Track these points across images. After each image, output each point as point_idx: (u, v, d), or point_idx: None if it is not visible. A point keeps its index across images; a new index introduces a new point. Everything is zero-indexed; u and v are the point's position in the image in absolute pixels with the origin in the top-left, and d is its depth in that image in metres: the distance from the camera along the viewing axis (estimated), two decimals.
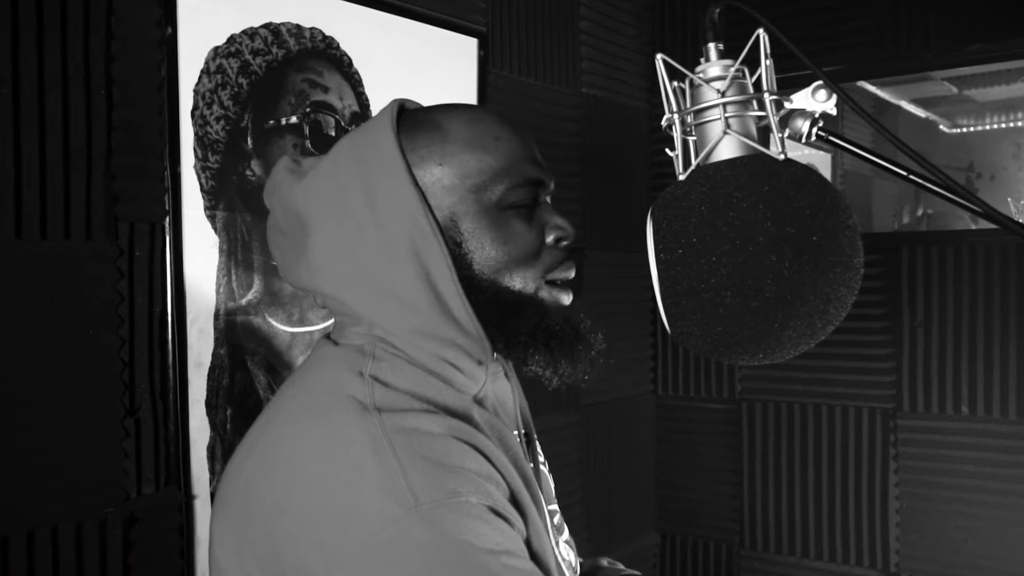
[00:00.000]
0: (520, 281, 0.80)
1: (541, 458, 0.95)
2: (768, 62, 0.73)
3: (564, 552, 0.91)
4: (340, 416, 0.72)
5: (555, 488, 0.98)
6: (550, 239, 0.83)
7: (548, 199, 0.86)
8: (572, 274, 0.85)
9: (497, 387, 0.91)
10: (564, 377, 0.83)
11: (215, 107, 1.45)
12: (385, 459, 0.68)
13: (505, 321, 0.80)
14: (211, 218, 1.45)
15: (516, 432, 0.89)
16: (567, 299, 0.84)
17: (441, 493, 0.66)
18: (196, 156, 1.42)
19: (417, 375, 0.79)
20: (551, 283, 0.83)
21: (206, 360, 1.44)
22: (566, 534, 0.94)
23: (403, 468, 0.67)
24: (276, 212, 0.85)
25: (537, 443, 0.96)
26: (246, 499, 0.73)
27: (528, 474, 0.83)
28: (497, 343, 0.81)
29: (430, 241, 0.77)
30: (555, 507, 0.93)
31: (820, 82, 0.73)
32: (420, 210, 0.77)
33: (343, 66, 1.66)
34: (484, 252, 0.79)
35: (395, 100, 0.84)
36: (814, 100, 0.74)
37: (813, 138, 0.74)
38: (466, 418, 0.78)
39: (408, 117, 0.83)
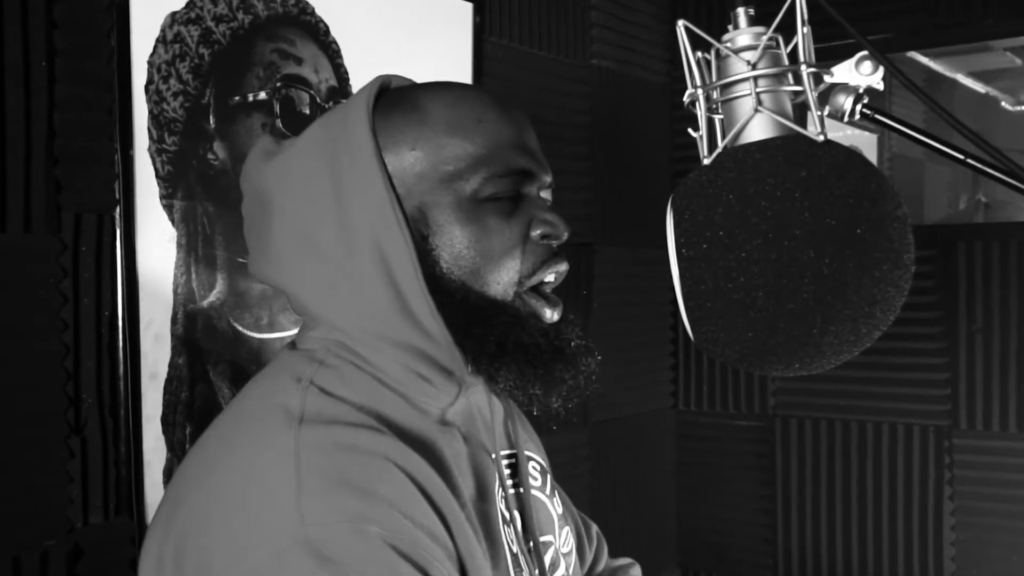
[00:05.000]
0: (496, 286, 0.80)
1: (537, 483, 0.95)
2: (805, 29, 0.73)
3: None
4: (262, 426, 0.75)
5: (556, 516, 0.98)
6: (535, 234, 0.82)
7: (544, 194, 0.86)
8: (561, 270, 0.84)
9: (476, 401, 0.91)
10: (536, 401, 0.83)
11: (172, 81, 1.45)
12: (286, 477, 0.70)
13: (471, 328, 0.80)
14: (168, 208, 1.45)
15: (495, 455, 0.89)
16: (549, 313, 0.83)
17: (336, 515, 0.68)
18: (151, 137, 1.42)
19: (369, 386, 0.80)
20: (533, 290, 0.83)
21: (162, 371, 1.44)
22: (560, 571, 0.94)
23: (300, 488, 0.69)
24: (248, 198, 0.87)
25: (533, 465, 0.96)
26: (172, 508, 0.76)
27: (489, 509, 0.83)
28: (465, 352, 0.81)
29: (393, 233, 0.77)
30: (550, 538, 0.93)
31: (865, 52, 0.73)
32: (385, 198, 0.78)
33: (319, 34, 1.66)
34: (453, 249, 0.80)
35: (379, 76, 0.84)
36: (858, 73, 0.74)
37: (857, 116, 0.74)
38: (418, 438, 0.79)
39: (390, 96, 0.84)
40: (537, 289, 0.83)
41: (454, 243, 0.80)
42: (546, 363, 0.81)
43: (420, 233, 0.80)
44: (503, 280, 0.81)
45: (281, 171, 0.82)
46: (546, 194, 0.87)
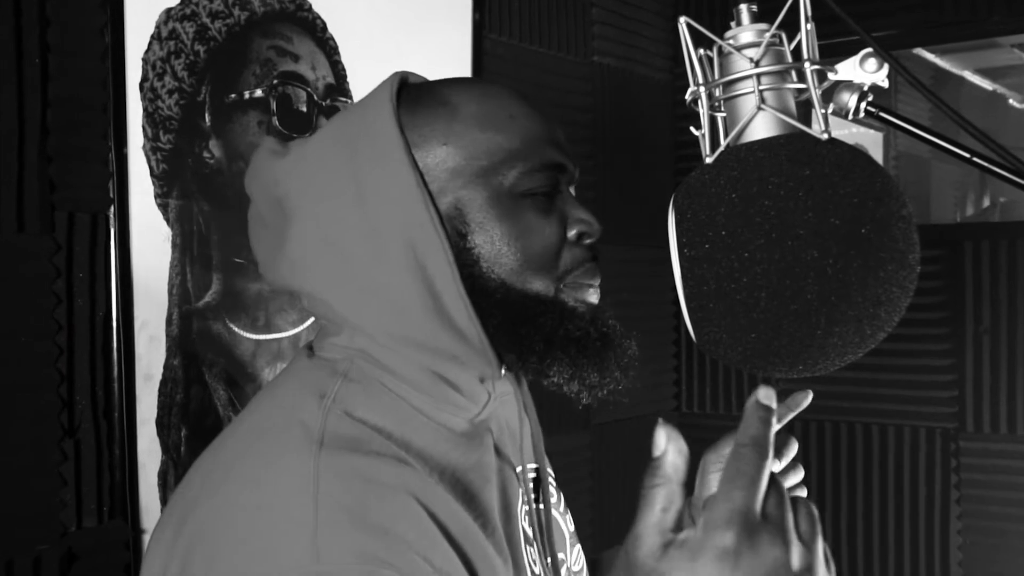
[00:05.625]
0: (537, 283, 0.80)
1: (553, 499, 0.94)
2: (809, 26, 0.73)
3: None
4: (281, 446, 0.73)
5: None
6: (572, 234, 0.82)
7: (572, 190, 0.86)
8: (597, 279, 0.85)
9: (506, 412, 0.90)
10: (593, 389, 0.82)
11: (167, 78, 1.45)
12: (303, 506, 0.68)
13: (516, 328, 0.79)
14: (163, 207, 1.45)
15: (520, 468, 0.88)
16: (594, 297, 0.83)
17: (352, 556, 0.66)
18: (145, 135, 1.42)
19: (394, 406, 0.78)
20: (572, 284, 0.82)
21: (157, 372, 1.44)
22: None
23: (318, 520, 0.67)
24: (257, 200, 0.85)
25: (551, 481, 0.96)
26: (179, 522, 0.74)
27: (513, 530, 0.82)
28: (507, 355, 0.80)
29: (428, 232, 0.76)
30: (561, 556, 0.93)
31: (870, 49, 0.73)
32: (417, 195, 0.76)
33: (316, 31, 1.66)
34: (493, 247, 0.78)
35: (396, 72, 0.83)
36: (862, 70, 0.74)
37: (861, 114, 0.74)
38: (446, 467, 0.77)
39: (411, 91, 0.82)
40: (575, 283, 0.83)
41: (494, 241, 0.78)
42: (598, 351, 0.81)
43: (457, 231, 0.78)
44: (547, 279, 0.80)
45: (297, 171, 0.80)
46: (572, 188, 0.86)
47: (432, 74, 0.89)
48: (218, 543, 0.70)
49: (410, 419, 0.78)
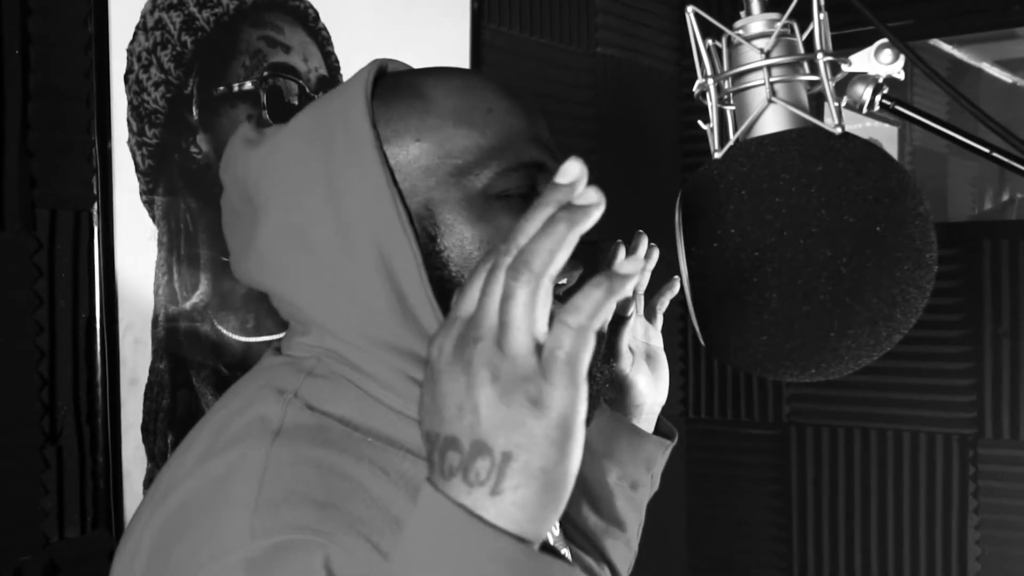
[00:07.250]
0: None
1: None
2: (822, 16, 0.73)
3: None
4: (239, 440, 0.75)
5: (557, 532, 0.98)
6: None
7: None
8: (575, 275, 0.84)
9: None
10: None
11: (153, 70, 1.45)
12: (247, 490, 0.70)
13: None
14: (148, 204, 1.45)
15: None
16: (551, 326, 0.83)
17: (284, 528, 0.67)
18: (130, 130, 1.42)
19: (362, 403, 0.79)
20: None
21: (142, 376, 1.44)
22: None
23: (258, 501, 0.69)
24: (229, 189, 0.86)
25: None
26: (146, 523, 0.76)
27: None
28: None
29: (396, 232, 0.76)
30: None
31: (885, 40, 0.74)
32: (387, 194, 0.77)
33: (308, 21, 1.66)
34: (463, 250, 0.79)
35: (375, 60, 0.83)
36: (877, 62, 0.74)
37: (876, 108, 0.74)
38: (414, 454, 0.78)
39: (389, 82, 0.83)
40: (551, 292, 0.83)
41: (464, 244, 0.79)
42: None
43: (427, 233, 0.79)
44: None
45: (270, 161, 0.81)
46: None
47: (429, 65, 0.88)
48: (174, 534, 0.72)
49: (379, 414, 0.79)
